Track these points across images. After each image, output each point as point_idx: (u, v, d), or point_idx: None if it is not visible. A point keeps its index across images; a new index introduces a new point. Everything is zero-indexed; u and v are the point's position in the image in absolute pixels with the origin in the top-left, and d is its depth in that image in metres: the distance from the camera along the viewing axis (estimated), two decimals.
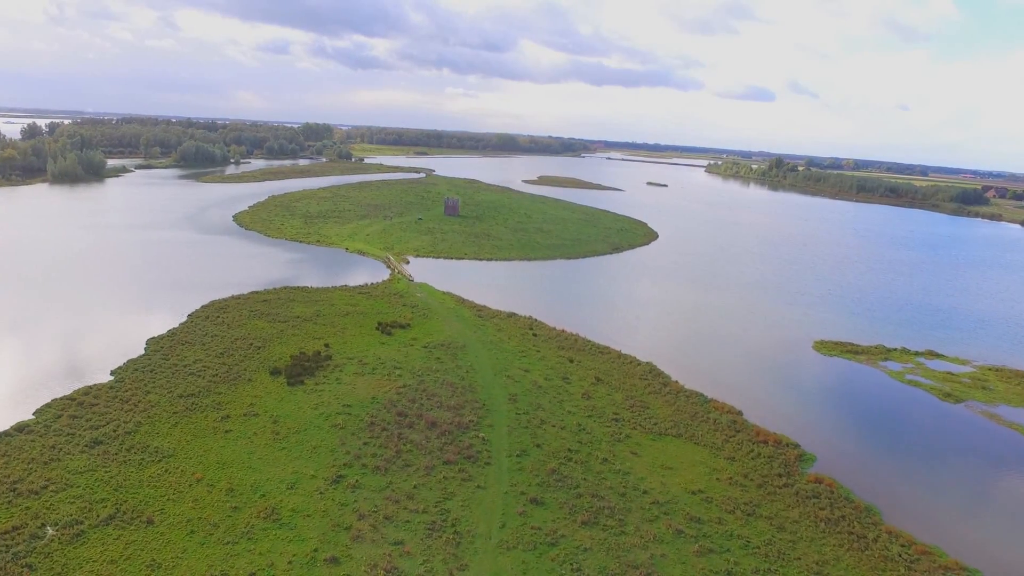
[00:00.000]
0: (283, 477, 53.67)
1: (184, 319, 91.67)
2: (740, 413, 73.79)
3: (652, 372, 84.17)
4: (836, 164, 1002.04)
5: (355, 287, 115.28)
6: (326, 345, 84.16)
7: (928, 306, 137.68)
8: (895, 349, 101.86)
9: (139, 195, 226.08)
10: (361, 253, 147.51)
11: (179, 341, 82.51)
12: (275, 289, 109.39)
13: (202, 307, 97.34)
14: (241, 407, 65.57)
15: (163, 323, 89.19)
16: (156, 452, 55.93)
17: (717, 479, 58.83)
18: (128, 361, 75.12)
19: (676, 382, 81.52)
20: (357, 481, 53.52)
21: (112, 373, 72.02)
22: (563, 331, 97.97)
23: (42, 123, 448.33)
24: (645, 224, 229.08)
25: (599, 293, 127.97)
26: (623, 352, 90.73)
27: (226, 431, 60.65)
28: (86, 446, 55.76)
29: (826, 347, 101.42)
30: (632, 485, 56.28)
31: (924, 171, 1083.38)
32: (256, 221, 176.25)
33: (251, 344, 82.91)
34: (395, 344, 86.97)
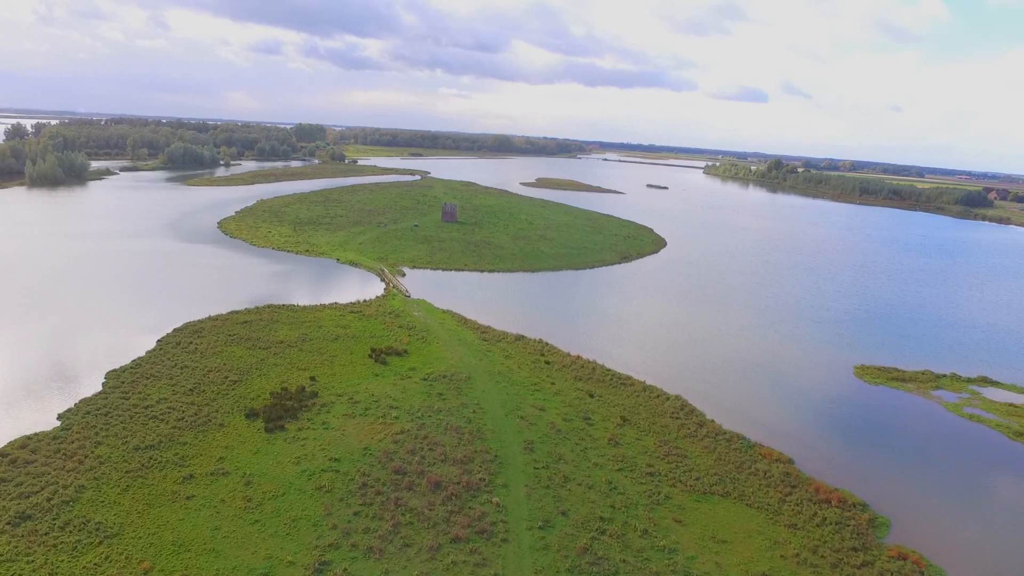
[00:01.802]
0: (253, 564, 43.27)
1: (152, 346, 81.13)
2: (791, 461, 63.80)
3: (683, 409, 74.02)
4: (832, 165, 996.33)
5: (346, 305, 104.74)
6: (312, 378, 73.72)
7: (964, 322, 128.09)
8: (944, 375, 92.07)
9: (120, 199, 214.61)
10: (353, 264, 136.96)
11: (143, 374, 71.93)
12: (257, 308, 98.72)
13: (174, 330, 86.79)
14: (208, 463, 55.15)
15: (127, 351, 78.55)
16: (97, 530, 45.41)
17: (782, 556, 48.71)
18: (80, 402, 64.52)
19: (712, 421, 71.47)
20: (345, 570, 43.13)
21: (59, 417, 61.49)
22: (578, 357, 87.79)
23: (28, 123, 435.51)
24: (651, 230, 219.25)
25: (612, 310, 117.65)
26: (647, 383, 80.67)
27: (187, 497, 50.21)
28: (9, 523, 45.17)
29: (869, 373, 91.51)
30: (682, 568, 46.08)
31: (920, 172, 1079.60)
32: (242, 228, 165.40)
33: (226, 377, 72.42)
34: (391, 376, 76.61)
